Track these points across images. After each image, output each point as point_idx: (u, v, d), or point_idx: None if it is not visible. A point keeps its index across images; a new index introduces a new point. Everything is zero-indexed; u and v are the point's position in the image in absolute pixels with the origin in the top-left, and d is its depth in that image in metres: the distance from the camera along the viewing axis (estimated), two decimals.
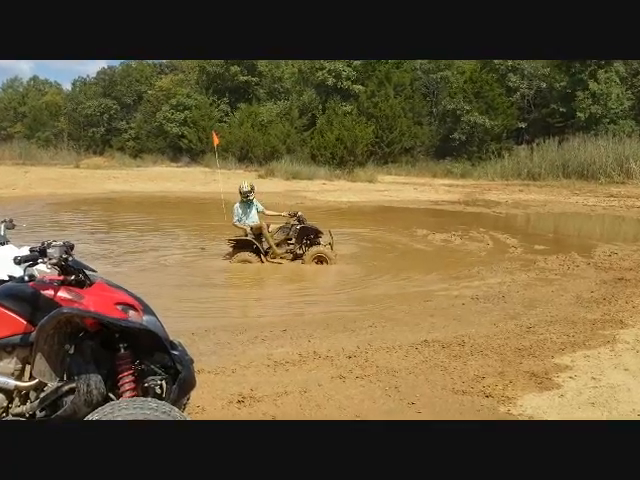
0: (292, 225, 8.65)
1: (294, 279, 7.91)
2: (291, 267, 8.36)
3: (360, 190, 21.19)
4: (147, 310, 2.47)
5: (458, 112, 28.62)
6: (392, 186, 22.74)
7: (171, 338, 2.51)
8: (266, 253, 8.42)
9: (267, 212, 8.91)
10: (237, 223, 8.63)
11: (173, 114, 34.70)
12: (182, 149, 34.27)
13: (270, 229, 8.63)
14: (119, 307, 2.35)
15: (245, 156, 30.49)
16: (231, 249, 8.54)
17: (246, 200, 8.62)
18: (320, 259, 8.38)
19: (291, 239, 8.67)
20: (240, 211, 8.64)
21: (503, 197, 19.19)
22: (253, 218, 8.67)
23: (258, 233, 8.45)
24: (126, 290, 2.50)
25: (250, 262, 8.28)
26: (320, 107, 31.90)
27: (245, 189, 8.59)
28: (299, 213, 8.80)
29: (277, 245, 8.56)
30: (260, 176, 25.19)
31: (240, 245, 8.43)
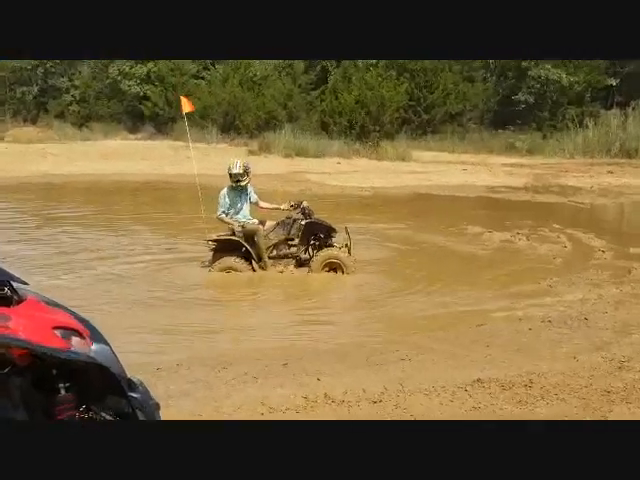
0: (294, 220, 8.64)
1: (298, 294, 7.92)
2: (294, 277, 8.38)
3: (388, 171, 21.18)
4: (96, 337, 2.47)
5: (524, 64, 28.50)
6: (432, 166, 22.69)
7: (129, 375, 2.51)
8: (259, 258, 8.43)
9: (261, 204, 8.90)
10: (222, 217, 8.63)
11: (132, 68, 34.85)
12: (144, 116, 34.43)
13: (265, 226, 8.63)
14: (58, 332, 2.35)
15: (230, 125, 30.57)
16: (211, 252, 8.56)
17: (236, 186, 8.62)
18: (332, 266, 8.39)
19: (293, 239, 8.68)
20: (227, 200, 8.62)
21: (586, 181, 19.09)
22: (244, 211, 8.67)
23: (250, 235, 8.42)
24: (68, 309, 2.50)
25: (237, 271, 8.30)
26: None
27: (235, 170, 8.56)
28: (304, 204, 8.79)
29: (275, 247, 8.55)
30: (251, 152, 25.22)
31: (223, 247, 8.44)
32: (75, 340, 2.37)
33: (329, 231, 8.68)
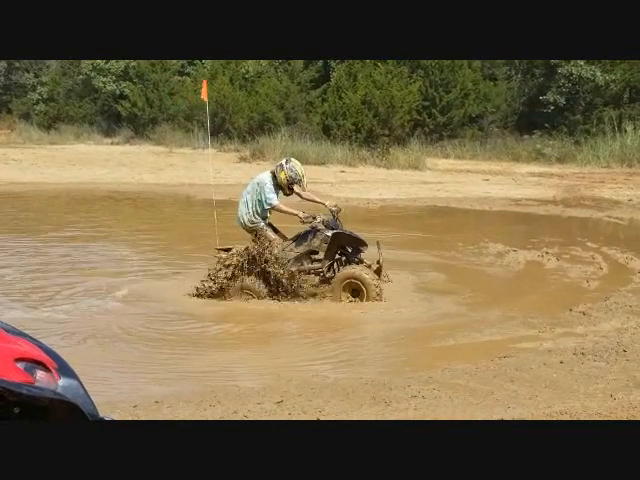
0: (317, 231, 8.42)
1: (304, 321, 7.89)
2: (308, 305, 8.25)
3: (399, 182, 21.23)
4: (65, 370, 2.46)
5: (553, 61, 28.60)
6: (449, 176, 22.73)
7: (102, 415, 2.51)
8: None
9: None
10: (282, 207, 8.62)
11: (107, 62, 35.04)
12: (121, 117, 34.55)
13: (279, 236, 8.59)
14: (20, 365, 2.34)
15: (219, 128, 30.63)
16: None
17: (282, 190, 8.75)
18: (355, 288, 8.19)
19: (317, 252, 8.52)
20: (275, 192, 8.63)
21: (624, 193, 19.07)
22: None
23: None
24: (32, 339, 2.50)
25: (256, 294, 8.25)
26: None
27: (300, 176, 8.70)
28: (334, 207, 8.70)
29: (296, 260, 8.40)
30: (242, 159, 25.24)
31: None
32: (40, 374, 2.35)
33: (358, 244, 8.48)
